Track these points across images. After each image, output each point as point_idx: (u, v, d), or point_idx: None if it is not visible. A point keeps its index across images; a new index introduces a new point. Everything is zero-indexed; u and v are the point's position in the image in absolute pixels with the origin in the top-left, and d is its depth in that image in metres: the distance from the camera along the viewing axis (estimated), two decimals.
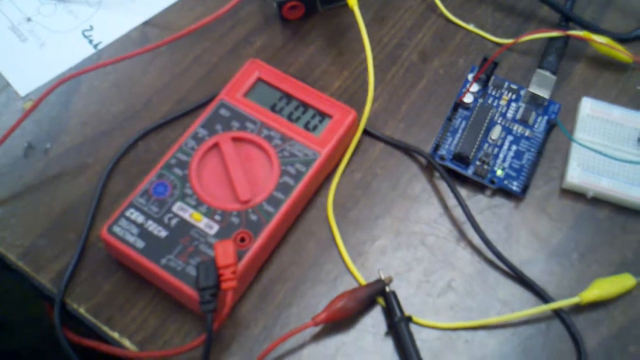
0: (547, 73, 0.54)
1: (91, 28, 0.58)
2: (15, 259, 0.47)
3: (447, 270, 0.48)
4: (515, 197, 0.51)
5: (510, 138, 0.53)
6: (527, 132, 0.53)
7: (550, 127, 0.53)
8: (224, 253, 0.43)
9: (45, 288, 0.47)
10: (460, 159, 0.51)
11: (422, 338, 0.46)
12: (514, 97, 0.55)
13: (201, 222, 0.46)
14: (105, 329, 0.45)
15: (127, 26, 0.58)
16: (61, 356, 0.46)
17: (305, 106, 0.51)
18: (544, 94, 0.54)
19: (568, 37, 0.56)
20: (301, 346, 0.45)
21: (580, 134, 0.52)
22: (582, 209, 0.51)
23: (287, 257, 0.48)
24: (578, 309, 0.47)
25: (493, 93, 0.55)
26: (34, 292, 0.48)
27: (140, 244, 0.45)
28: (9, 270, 0.48)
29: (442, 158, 0.51)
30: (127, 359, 0.47)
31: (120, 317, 0.46)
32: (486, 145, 0.52)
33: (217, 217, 0.46)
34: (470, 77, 0.56)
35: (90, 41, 0.57)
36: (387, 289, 0.46)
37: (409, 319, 0.46)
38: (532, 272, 0.48)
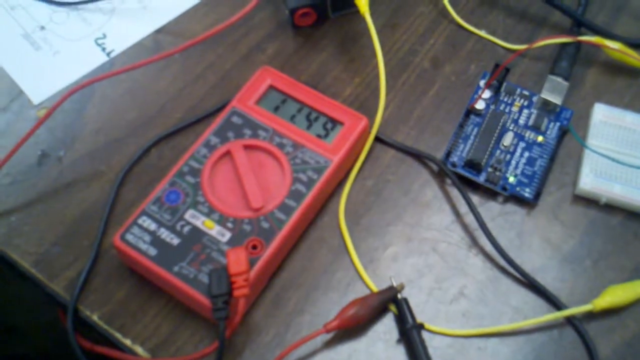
0: (560, 79, 0.54)
1: (104, 36, 0.59)
2: (29, 267, 0.48)
3: (459, 277, 0.48)
4: (527, 203, 0.51)
5: (522, 144, 0.52)
6: (540, 139, 0.53)
7: (563, 133, 0.53)
8: (236, 260, 0.43)
9: (58, 295, 0.47)
10: (472, 165, 0.51)
11: (434, 345, 0.46)
12: (526, 103, 0.54)
13: (213, 229, 0.46)
14: (118, 336, 0.46)
15: (140, 34, 0.59)
16: None
17: (317, 113, 0.51)
18: (556, 100, 0.54)
19: (580, 42, 0.56)
20: (313, 353, 0.45)
21: (592, 140, 0.52)
22: (594, 216, 0.51)
23: (299, 264, 0.48)
24: (591, 316, 0.47)
25: (505, 99, 0.55)
26: (47, 299, 0.48)
27: (152, 251, 0.45)
28: (22, 278, 0.48)
29: (453, 165, 0.51)
30: None
31: (133, 324, 0.46)
32: (498, 151, 0.52)
33: (229, 225, 0.46)
34: (482, 83, 0.56)
35: (104, 49, 0.58)
36: (399, 296, 0.46)
37: (421, 326, 0.45)
38: (545, 279, 0.48)
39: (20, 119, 0.54)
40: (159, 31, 0.59)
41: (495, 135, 0.52)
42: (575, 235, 0.50)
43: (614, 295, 0.46)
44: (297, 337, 0.46)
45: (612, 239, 0.50)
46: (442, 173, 0.52)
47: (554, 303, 0.47)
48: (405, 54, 0.58)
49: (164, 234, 0.46)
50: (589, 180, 0.50)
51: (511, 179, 0.51)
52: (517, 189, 0.51)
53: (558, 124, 0.53)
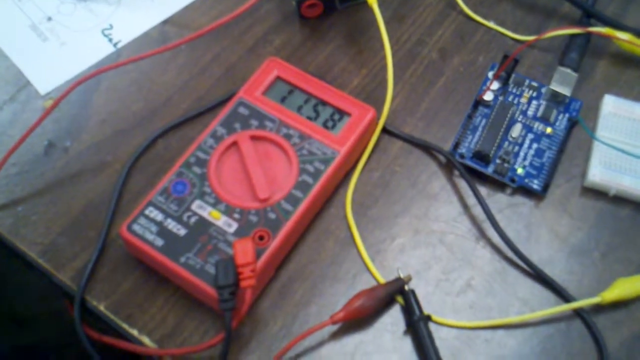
0: (569, 70, 0.54)
1: (111, 27, 0.58)
2: (36, 257, 0.48)
3: (466, 269, 0.48)
4: (535, 195, 0.51)
5: (530, 136, 0.52)
6: (548, 130, 0.52)
7: (572, 125, 0.53)
8: (243, 251, 0.43)
9: (65, 285, 0.47)
10: (480, 157, 0.51)
11: (441, 337, 0.45)
12: (534, 94, 0.54)
13: (220, 220, 0.46)
14: (125, 326, 0.46)
15: (146, 25, 0.59)
16: (81, 351, 0.46)
17: (324, 104, 0.51)
18: (566, 91, 0.53)
19: (590, 33, 0.55)
20: (320, 344, 0.45)
21: (602, 131, 0.52)
22: (603, 208, 0.50)
23: (306, 256, 0.48)
24: (599, 308, 0.46)
25: (514, 91, 0.54)
26: (54, 289, 0.48)
27: (159, 242, 0.45)
28: (29, 268, 0.48)
29: (461, 156, 0.51)
30: (146, 356, 0.47)
31: (140, 315, 0.46)
32: (506, 143, 0.52)
33: (236, 216, 0.46)
34: (490, 74, 0.55)
35: (110, 40, 0.58)
36: (406, 287, 0.46)
37: (428, 318, 0.45)
38: (553, 271, 0.47)
39: (27, 110, 0.54)
40: (165, 22, 0.59)
41: (504, 126, 0.52)
42: (584, 227, 0.50)
43: (623, 288, 0.46)
44: (304, 328, 0.45)
45: (621, 231, 0.49)
46: (449, 164, 0.52)
47: (562, 295, 0.47)
48: (413, 45, 0.58)
49: (171, 224, 0.46)
50: (598, 172, 0.50)
51: (519, 171, 0.51)
52: (526, 180, 0.50)
53: (567, 115, 0.53)
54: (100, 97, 0.55)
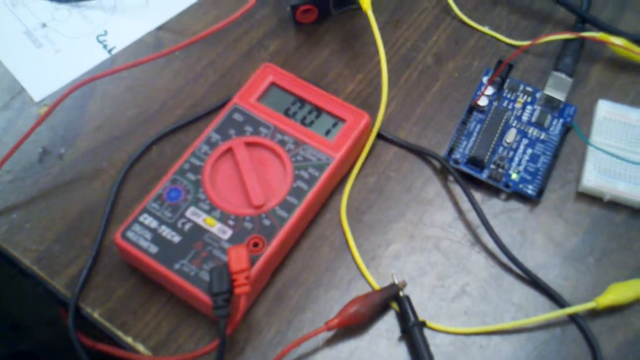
0: (563, 75, 0.54)
1: (105, 33, 0.58)
2: (30, 264, 0.48)
3: (461, 275, 0.48)
4: (530, 200, 0.51)
5: (525, 141, 0.52)
6: (543, 135, 0.52)
7: (566, 130, 0.53)
8: (238, 258, 0.43)
9: (59, 293, 0.47)
10: (475, 162, 0.51)
11: (436, 343, 0.45)
12: (529, 99, 0.54)
13: (214, 227, 0.46)
14: (119, 333, 0.45)
15: (141, 31, 0.59)
16: (76, 358, 0.46)
17: (319, 110, 0.51)
18: (560, 96, 0.53)
19: (584, 39, 0.55)
20: (314, 351, 0.45)
21: (596, 137, 0.52)
22: (598, 213, 0.50)
23: (301, 262, 0.48)
24: (594, 313, 0.46)
25: (508, 96, 0.54)
26: (48, 296, 0.48)
27: (153, 249, 0.45)
28: (23, 275, 0.48)
29: (456, 162, 0.51)
30: None
31: (134, 322, 0.46)
32: (501, 148, 0.52)
33: (231, 222, 0.46)
34: (485, 79, 0.55)
35: (105, 46, 0.58)
36: (401, 293, 0.46)
37: (422, 324, 0.45)
38: (548, 277, 0.47)
39: (21, 117, 0.54)
40: (160, 28, 0.59)
41: (498, 131, 0.52)
42: (579, 232, 0.50)
43: (617, 293, 0.46)
44: (299, 334, 0.45)
45: (615, 236, 0.49)
46: (444, 170, 0.52)
47: (557, 301, 0.47)
48: (407, 51, 0.58)
49: (165, 231, 0.46)
50: (593, 177, 0.50)
51: (514, 176, 0.51)
52: (520, 186, 0.50)
53: (561, 120, 0.53)
54: (95, 104, 0.55)
